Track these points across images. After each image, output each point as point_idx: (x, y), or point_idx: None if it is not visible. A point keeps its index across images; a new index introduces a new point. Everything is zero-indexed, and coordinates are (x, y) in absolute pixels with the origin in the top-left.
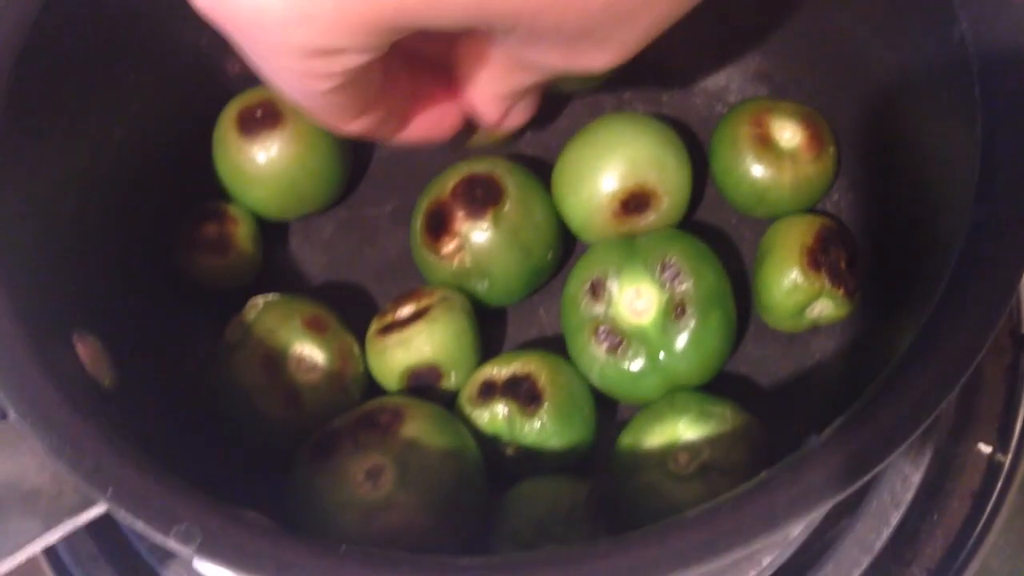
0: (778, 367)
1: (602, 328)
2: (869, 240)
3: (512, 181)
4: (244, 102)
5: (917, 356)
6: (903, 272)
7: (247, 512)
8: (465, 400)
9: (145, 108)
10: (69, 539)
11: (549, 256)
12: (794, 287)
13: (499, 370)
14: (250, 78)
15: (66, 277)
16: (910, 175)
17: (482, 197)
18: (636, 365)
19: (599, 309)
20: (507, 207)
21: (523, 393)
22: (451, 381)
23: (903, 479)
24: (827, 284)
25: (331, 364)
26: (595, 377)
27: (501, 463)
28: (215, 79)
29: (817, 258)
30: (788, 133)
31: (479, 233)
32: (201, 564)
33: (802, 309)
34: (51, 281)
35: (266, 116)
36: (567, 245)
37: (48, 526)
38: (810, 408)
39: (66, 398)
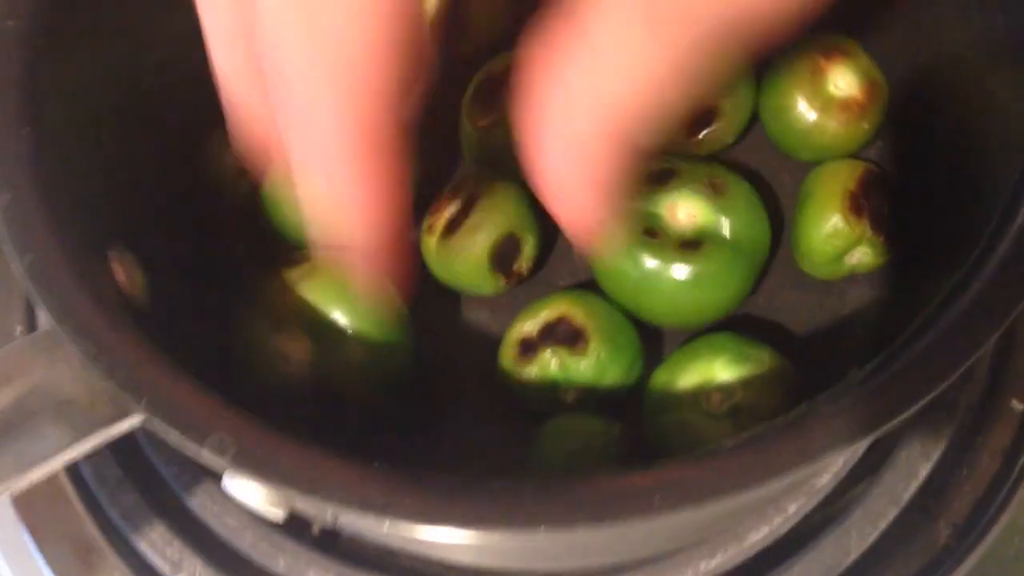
0: (812, 315)
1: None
2: (911, 188)
3: None
4: None
5: (959, 297)
6: (945, 222)
7: (276, 426)
8: (509, 367)
9: (185, 30)
10: (94, 462)
11: None
12: (834, 232)
13: (530, 325)
14: None
15: (103, 192)
16: (960, 128)
17: None
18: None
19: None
20: None
21: (563, 335)
22: (528, 249)
23: (935, 431)
24: (868, 231)
25: None
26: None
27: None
28: None
29: (859, 204)
30: (843, 82)
31: None
32: (232, 483)
33: (841, 255)
34: (89, 196)
35: None
36: None
37: (80, 436)
38: (843, 357)
39: (102, 310)
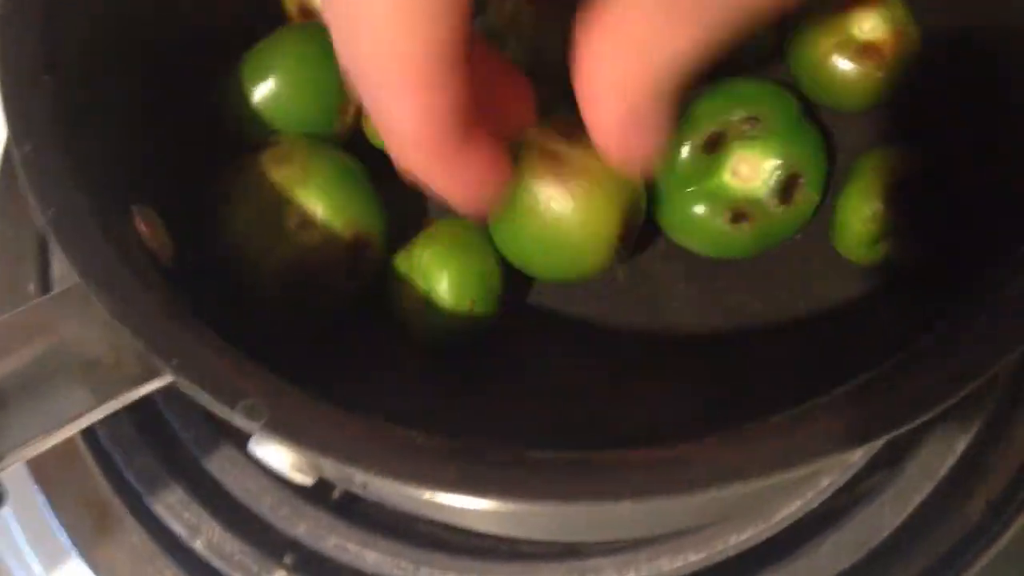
0: (843, 300)
1: (722, 203)
2: (962, 180)
3: None
4: None
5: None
6: (988, 223)
7: (309, 392)
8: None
9: None
10: (108, 422)
11: None
12: (874, 216)
13: None
14: None
15: (124, 145)
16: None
17: None
18: (748, 233)
19: (707, 167)
20: None
21: None
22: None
23: (973, 404)
24: (908, 221)
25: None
26: (696, 240)
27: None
28: None
29: (905, 193)
30: (869, 26)
31: None
32: (259, 448)
33: (876, 240)
34: (110, 149)
35: None
36: None
37: (106, 397)
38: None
39: (128, 265)
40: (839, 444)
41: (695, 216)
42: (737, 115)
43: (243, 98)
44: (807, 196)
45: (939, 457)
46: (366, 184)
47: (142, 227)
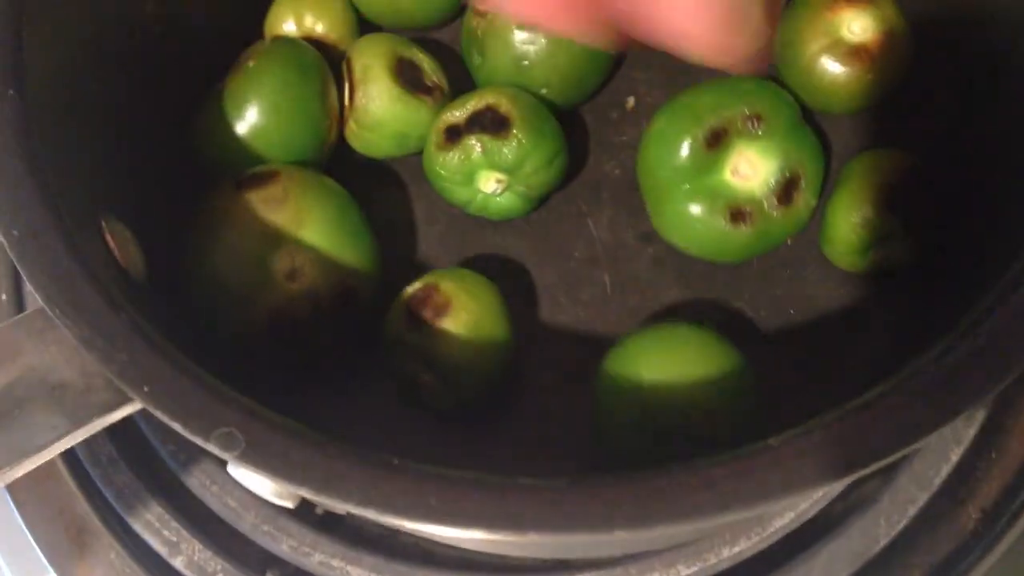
0: (829, 307)
1: (721, 201)
2: (954, 183)
3: None
4: None
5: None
6: (985, 233)
7: (287, 419)
8: (433, 151)
9: None
10: (87, 440)
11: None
12: (864, 223)
13: (458, 113)
14: None
15: (93, 159)
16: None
17: None
18: (746, 234)
19: (708, 164)
20: None
21: (490, 122)
22: (427, 64)
23: (967, 414)
24: (899, 228)
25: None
26: (692, 239)
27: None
28: None
29: (896, 199)
30: (859, 27)
31: None
32: (239, 471)
33: (867, 248)
34: (79, 163)
35: None
36: None
37: (76, 424)
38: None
39: (98, 288)
40: (836, 473)
41: (693, 215)
42: (740, 111)
43: (225, 128)
44: (805, 199)
45: (933, 467)
46: (359, 225)
47: (112, 242)
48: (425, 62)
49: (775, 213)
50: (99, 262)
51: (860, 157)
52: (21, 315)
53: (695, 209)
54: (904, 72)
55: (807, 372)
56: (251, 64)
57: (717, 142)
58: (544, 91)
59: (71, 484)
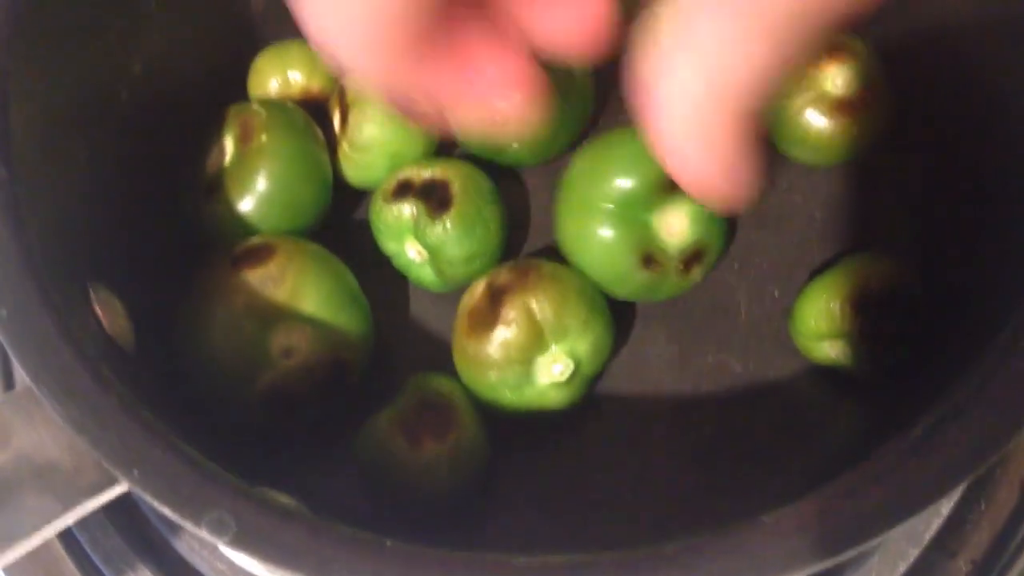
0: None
1: (638, 239)
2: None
3: None
4: None
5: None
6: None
7: (280, 496)
8: (381, 194)
9: (165, 42)
10: None
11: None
12: (826, 312)
13: (419, 171)
14: (274, 16)
15: (81, 226)
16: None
17: None
18: (641, 280)
19: (645, 201)
20: None
21: (435, 197)
22: None
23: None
24: (856, 333)
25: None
26: (589, 261)
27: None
28: (240, 15)
29: (867, 305)
30: (842, 80)
31: None
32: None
33: (823, 338)
34: (65, 231)
35: None
36: None
37: (66, 506)
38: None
39: (86, 364)
40: (831, 550)
41: (604, 238)
42: None
43: (230, 201)
44: (697, 275)
45: (923, 521)
46: (353, 295)
47: (100, 311)
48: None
49: (673, 275)
50: (88, 337)
51: (857, 255)
52: (10, 393)
53: (609, 232)
54: (887, 125)
55: (795, 430)
56: (264, 138)
57: (673, 189)
58: (515, 145)
59: (58, 547)
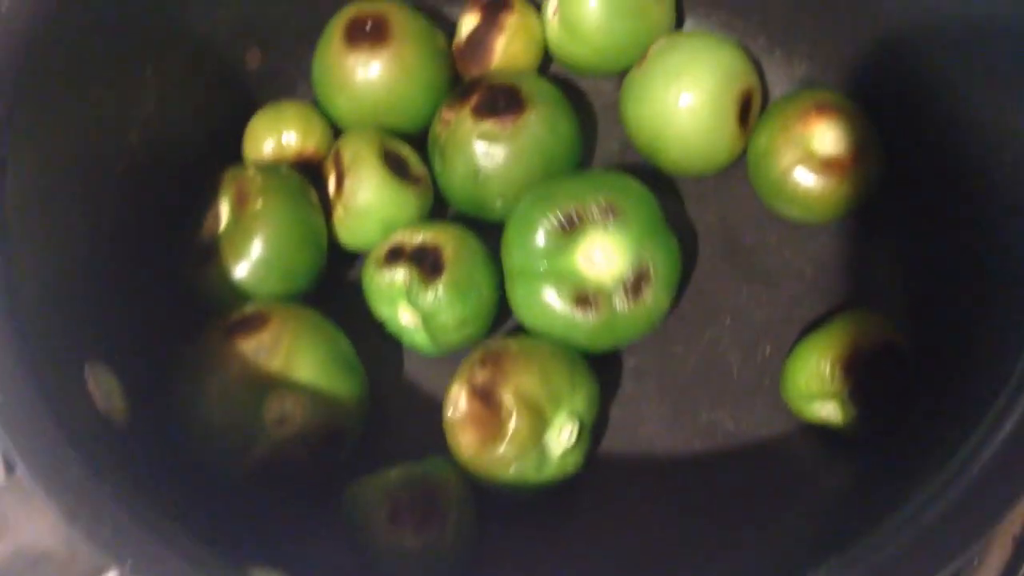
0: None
1: (569, 285)
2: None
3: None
4: (358, 10)
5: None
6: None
7: (271, 572)
8: (373, 260)
9: (161, 107)
10: None
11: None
12: (816, 373)
13: (411, 236)
14: (269, 77)
15: (77, 302)
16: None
17: (505, 106)
18: (591, 321)
19: (561, 247)
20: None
21: (427, 263)
22: (411, 156)
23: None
24: (846, 395)
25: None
26: (539, 321)
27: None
28: (235, 76)
29: (857, 366)
30: (830, 139)
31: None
32: None
33: (813, 398)
34: (62, 307)
35: (374, 30)
36: None
37: None
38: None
39: (80, 453)
40: None
41: (541, 296)
42: (597, 200)
43: (227, 268)
44: (655, 296)
45: None
46: (348, 361)
47: (94, 387)
48: (410, 155)
49: (623, 306)
50: (81, 420)
51: (849, 313)
52: (10, 478)
53: (543, 289)
54: (877, 183)
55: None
56: (259, 204)
57: (571, 227)
58: (499, 203)
59: None
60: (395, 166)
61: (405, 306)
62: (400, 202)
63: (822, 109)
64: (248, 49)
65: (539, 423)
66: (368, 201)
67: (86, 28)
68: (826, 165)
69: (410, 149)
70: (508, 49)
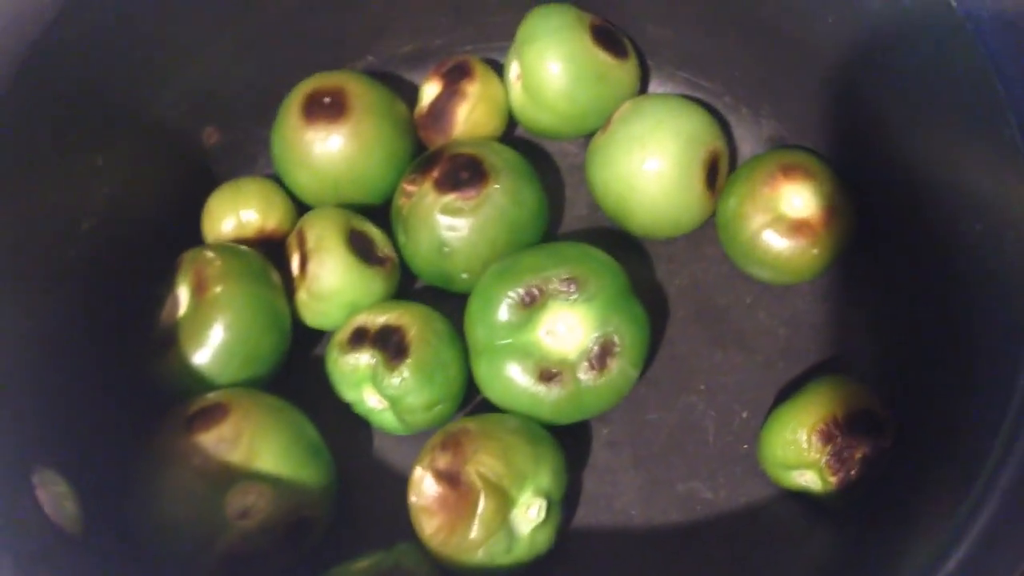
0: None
1: (532, 359)
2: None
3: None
4: (316, 84)
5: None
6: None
7: None
8: (336, 344)
9: (114, 194)
10: None
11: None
12: (793, 443)
13: (374, 318)
14: (228, 149)
15: (21, 404)
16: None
17: (467, 178)
18: (556, 395)
19: (523, 322)
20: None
21: (392, 345)
22: (376, 234)
23: None
24: (825, 463)
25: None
26: (503, 396)
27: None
28: (191, 155)
29: (833, 433)
30: (800, 201)
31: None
32: None
33: (791, 468)
34: (9, 414)
35: (333, 104)
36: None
37: None
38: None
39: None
40: None
41: (505, 371)
42: (558, 274)
43: (185, 357)
44: (621, 368)
45: None
46: (312, 446)
47: (45, 497)
48: (376, 235)
49: (588, 378)
50: (31, 532)
51: (822, 379)
52: None
53: (507, 365)
54: (849, 242)
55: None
56: (219, 288)
57: (533, 302)
58: (464, 275)
59: None
60: (360, 248)
61: (371, 390)
62: (366, 286)
63: (788, 171)
64: (204, 127)
65: (504, 503)
66: (332, 286)
67: (31, 118)
68: (796, 227)
69: (377, 228)
70: (471, 117)
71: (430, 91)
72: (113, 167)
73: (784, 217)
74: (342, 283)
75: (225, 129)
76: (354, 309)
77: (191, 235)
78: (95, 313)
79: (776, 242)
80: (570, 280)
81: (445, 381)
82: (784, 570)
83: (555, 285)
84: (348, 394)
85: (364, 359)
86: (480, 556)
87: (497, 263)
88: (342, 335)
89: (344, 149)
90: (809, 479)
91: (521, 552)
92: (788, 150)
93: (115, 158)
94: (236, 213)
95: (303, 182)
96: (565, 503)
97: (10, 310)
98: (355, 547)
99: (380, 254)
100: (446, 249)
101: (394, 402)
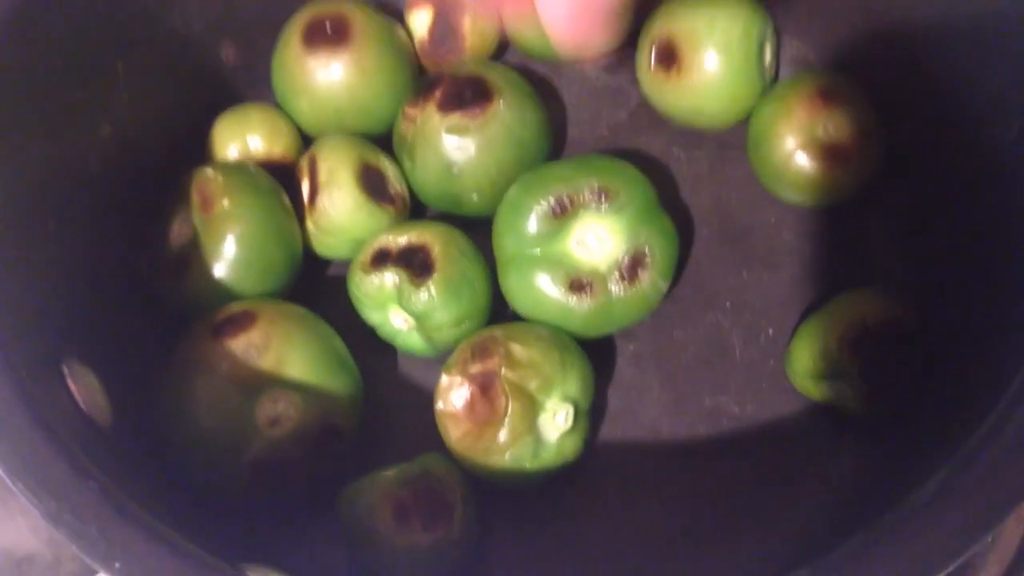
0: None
1: (562, 270)
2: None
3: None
4: (316, 11)
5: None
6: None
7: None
8: (358, 266)
9: (134, 101)
10: None
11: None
12: (824, 353)
13: (396, 238)
14: (245, 67)
15: (52, 302)
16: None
17: (471, 97)
18: (586, 306)
19: (553, 232)
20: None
21: (416, 263)
22: (391, 172)
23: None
24: (856, 372)
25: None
26: (533, 307)
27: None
28: (209, 69)
29: (864, 342)
30: (833, 126)
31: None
32: None
33: (821, 378)
34: (35, 308)
35: (334, 31)
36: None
37: None
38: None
39: (62, 453)
40: None
41: (534, 281)
42: (589, 184)
43: (200, 270)
44: (652, 280)
45: None
46: (340, 356)
47: (76, 388)
48: (389, 170)
49: (618, 290)
50: (63, 420)
51: (853, 290)
52: None
53: (536, 275)
54: (878, 170)
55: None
56: (225, 203)
57: (563, 212)
58: (475, 196)
59: None
60: (371, 185)
61: (397, 310)
62: (373, 225)
63: (828, 96)
64: (222, 43)
65: (532, 408)
66: (340, 223)
67: (56, 24)
68: (830, 151)
69: (390, 162)
70: (476, 26)
71: (421, 19)
72: (133, 74)
73: (819, 140)
74: (350, 221)
75: (242, 47)
76: (360, 246)
77: (202, 161)
78: (116, 223)
79: (808, 165)
80: (601, 190)
81: (472, 296)
82: (811, 486)
83: (586, 195)
84: (373, 316)
85: (389, 278)
86: (507, 459)
87: (526, 175)
88: (364, 256)
89: (346, 77)
90: (838, 389)
91: (548, 458)
92: (826, 73)
93: (136, 66)
94: (243, 139)
95: (304, 110)
96: (591, 416)
97: (36, 214)
98: (380, 463)
99: (391, 191)
100: (455, 170)
101: (421, 320)
